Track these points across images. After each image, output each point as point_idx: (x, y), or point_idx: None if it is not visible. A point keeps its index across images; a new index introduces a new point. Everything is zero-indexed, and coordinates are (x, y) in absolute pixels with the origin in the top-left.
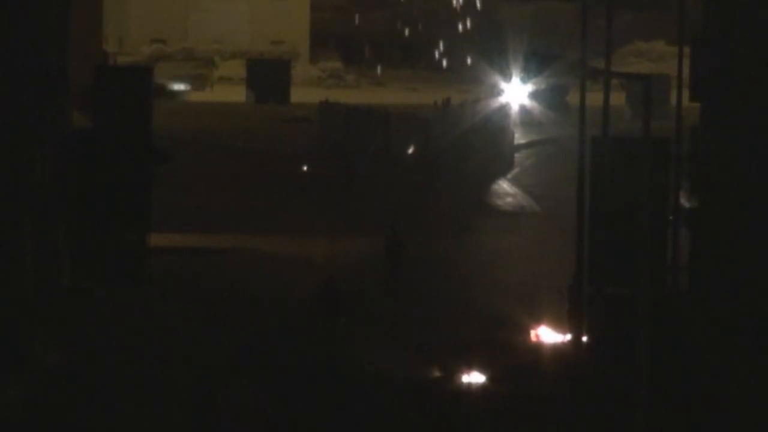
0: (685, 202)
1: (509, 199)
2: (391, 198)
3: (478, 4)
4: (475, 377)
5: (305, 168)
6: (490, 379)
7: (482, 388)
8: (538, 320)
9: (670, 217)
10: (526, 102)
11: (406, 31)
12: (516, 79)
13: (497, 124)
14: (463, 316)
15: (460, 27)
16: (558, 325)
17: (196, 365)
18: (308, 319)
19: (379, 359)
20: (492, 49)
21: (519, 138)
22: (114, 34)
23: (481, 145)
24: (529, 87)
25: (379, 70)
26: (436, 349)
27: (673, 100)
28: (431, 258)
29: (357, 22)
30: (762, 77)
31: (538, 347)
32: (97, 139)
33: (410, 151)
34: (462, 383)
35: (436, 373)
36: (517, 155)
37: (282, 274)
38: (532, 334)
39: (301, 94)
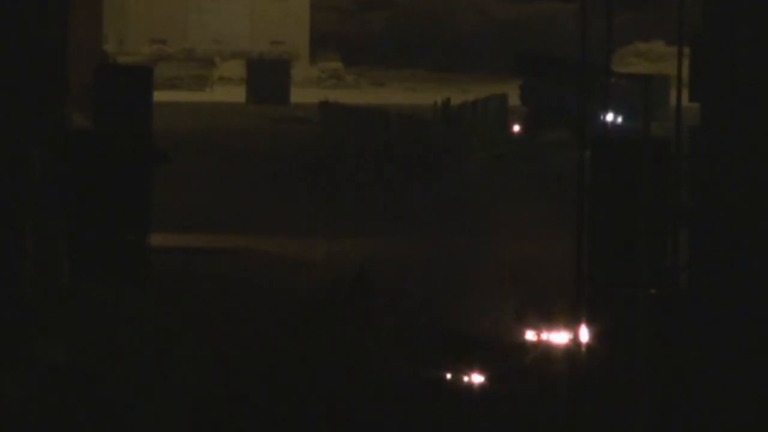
0: (685, 202)
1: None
2: (392, 198)
3: (478, 4)
4: (475, 377)
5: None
6: (489, 379)
7: (482, 388)
8: (538, 320)
9: (671, 218)
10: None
11: (406, 32)
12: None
13: (497, 124)
14: (463, 316)
15: (460, 27)
16: (559, 325)
17: (196, 365)
18: (318, 316)
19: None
20: (492, 50)
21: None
22: (114, 34)
23: (481, 145)
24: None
25: (379, 70)
26: (436, 349)
27: (673, 100)
28: (429, 258)
29: (357, 22)
30: (762, 77)
31: (539, 347)
32: (97, 139)
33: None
34: (462, 383)
35: (437, 372)
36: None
37: (283, 274)
38: (533, 334)
39: (301, 94)
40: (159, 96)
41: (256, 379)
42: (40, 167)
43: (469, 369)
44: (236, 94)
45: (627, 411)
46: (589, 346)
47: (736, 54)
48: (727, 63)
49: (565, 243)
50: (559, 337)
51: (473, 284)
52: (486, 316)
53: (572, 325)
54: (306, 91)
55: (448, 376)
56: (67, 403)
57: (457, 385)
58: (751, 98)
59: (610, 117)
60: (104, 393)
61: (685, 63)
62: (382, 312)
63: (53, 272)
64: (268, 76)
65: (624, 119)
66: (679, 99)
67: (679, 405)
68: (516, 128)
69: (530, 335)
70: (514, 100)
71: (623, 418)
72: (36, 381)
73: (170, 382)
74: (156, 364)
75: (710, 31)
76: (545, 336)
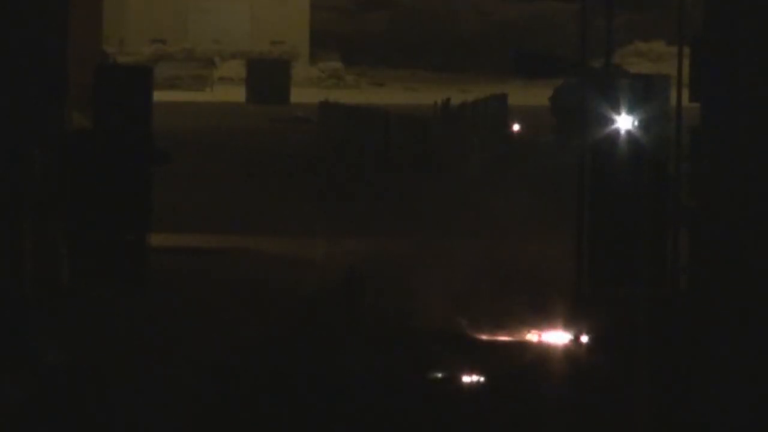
0: (685, 202)
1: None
2: (391, 198)
3: (478, 4)
4: (474, 377)
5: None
6: (490, 378)
7: (482, 388)
8: (538, 320)
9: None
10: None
11: (406, 32)
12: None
13: (497, 124)
14: (463, 315)
15: (460, 27)
16: (559, 325)
17: (196, 365)
18: (309, 317)
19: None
20: (492, 50)
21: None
22: (114, 34)
23: (480, 144)
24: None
25: (379, 70)
26: (436, 348)
27: (673, 100)
28: (429, 258)
29: (357, 22)
30: (762, 77)
31: (539, 347)
32: (97, 139)
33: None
34: (461, 383)
35: (437, 372)
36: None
37: (283, 274)
38: (533, 334)
39: (301, 94)
40: (159, 96)
41: (254, 378)
42: (40, 167)
43: (464, 369)
44: (236, 94)
45: (626, 411)
46: (588, 346)
47: (736, 54)
48: (727, 63)
49: (565, 243)
50: (559, 337)
51: (472, 284)
52: (484, 316)
53: (572, 325)
54: (306, 91)
55: (440, 376)
56: (67, 404)
57: (450, 385)
58: (751, 98)
59: (624, 119)
60: (104, 393)
61: (685, 63)
62: (373, 313)
63: (53, 272)
64: (268, 76)
65: (639, 121)
66: (679, 99)
67: (678, 405)
68: (516, 128)
69: (530, 335)
70: (514, 100)
71: (623, 418)
72: (36, 381)
73: (170, 382)
74: (156, 364)
75: (710, 31)
76: (545, 336)
